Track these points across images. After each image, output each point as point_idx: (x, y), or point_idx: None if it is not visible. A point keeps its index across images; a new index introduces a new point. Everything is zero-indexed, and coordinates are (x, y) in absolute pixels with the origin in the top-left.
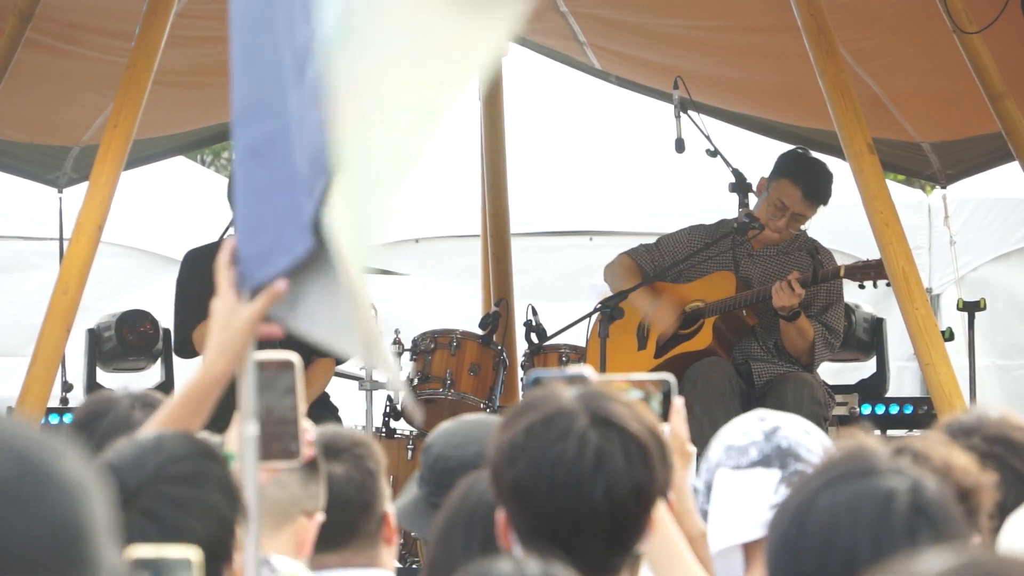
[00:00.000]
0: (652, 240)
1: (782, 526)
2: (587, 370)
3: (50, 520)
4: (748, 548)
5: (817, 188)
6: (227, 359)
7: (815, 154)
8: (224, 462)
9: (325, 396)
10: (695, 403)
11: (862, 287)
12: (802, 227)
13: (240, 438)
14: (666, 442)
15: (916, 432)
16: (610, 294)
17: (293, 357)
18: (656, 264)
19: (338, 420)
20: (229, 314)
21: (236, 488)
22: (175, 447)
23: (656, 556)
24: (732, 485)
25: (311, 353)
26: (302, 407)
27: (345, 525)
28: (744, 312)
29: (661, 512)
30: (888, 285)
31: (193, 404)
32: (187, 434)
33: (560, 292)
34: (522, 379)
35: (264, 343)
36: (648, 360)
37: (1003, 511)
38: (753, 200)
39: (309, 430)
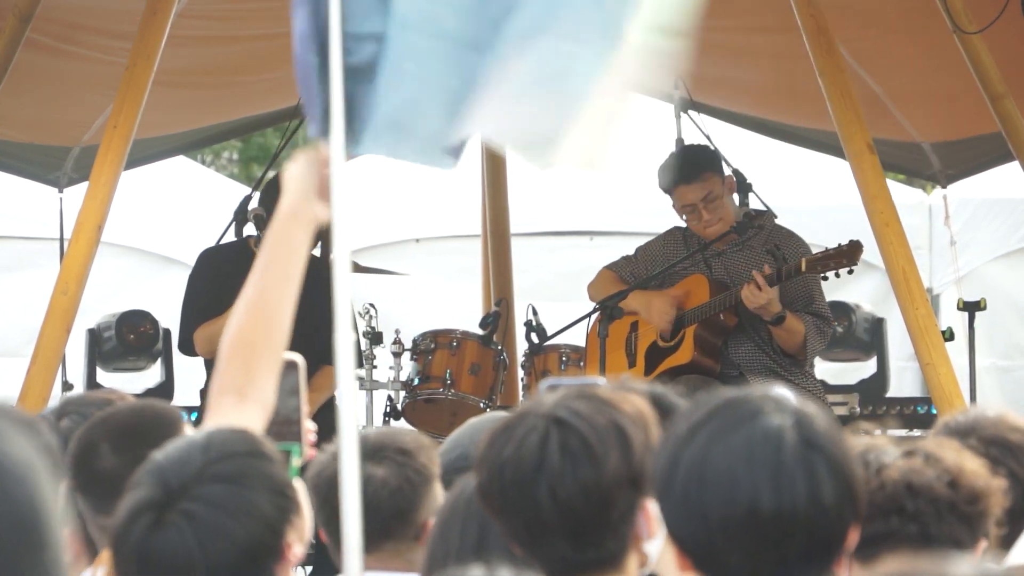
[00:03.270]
0: (646, 241)
1: (680, 480)
2: (600, 380)
3: (7, 507)
4: None
5: (683, 171)
6: (295, 195)
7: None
8: (278, 460)
9: (331, 398)
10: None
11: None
12: (716, 201)
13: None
14: (632, 439)
15: (916, 432)
16: None
17: (297, 358)
18: (635, 275)
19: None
20: (297, 166)
21: (287, 488)
22: (224, 445)
23: (665, 557)
24: None
25: (318, 360)
26: (305, 408)
27: (378, 528)
28: (722, 316)
29: None
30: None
31: (283, 246)
32: (241, 431)
33: (560, 292)
34: (522, 379)
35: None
36: (639, 377)
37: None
38: (753, 200)
39: (311, 431)
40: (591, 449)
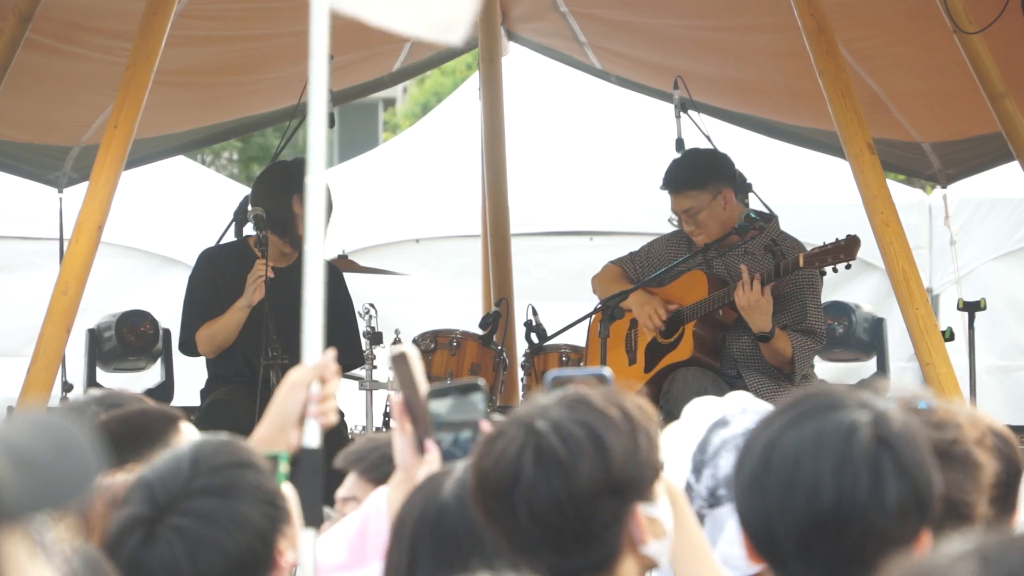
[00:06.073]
0: (651, 240)
1: (750, 463)
2: (606, 371)
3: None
4: None
5: (671, 180)
6: (272, 426)
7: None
8: (266, 469)
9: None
10: (668, 418)
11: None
12: (699, 216)
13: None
14: (610, 446)
15: None
16: None
17: (406, 349)
18: (639, 271)
19: (343, 423)
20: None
21: (277, 498)
22: (211, 457)
23: (679, 556)
24: (735, 521)
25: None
26: (423, 389)
27: None
28: (721, 312)
29: (684, 512)
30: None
31: None
32: (228, 442)
33: (560, 292)
34: (522, 379)
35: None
36: (639, 375)
37: None
38: (753, 200)
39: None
40: (560, 461)
